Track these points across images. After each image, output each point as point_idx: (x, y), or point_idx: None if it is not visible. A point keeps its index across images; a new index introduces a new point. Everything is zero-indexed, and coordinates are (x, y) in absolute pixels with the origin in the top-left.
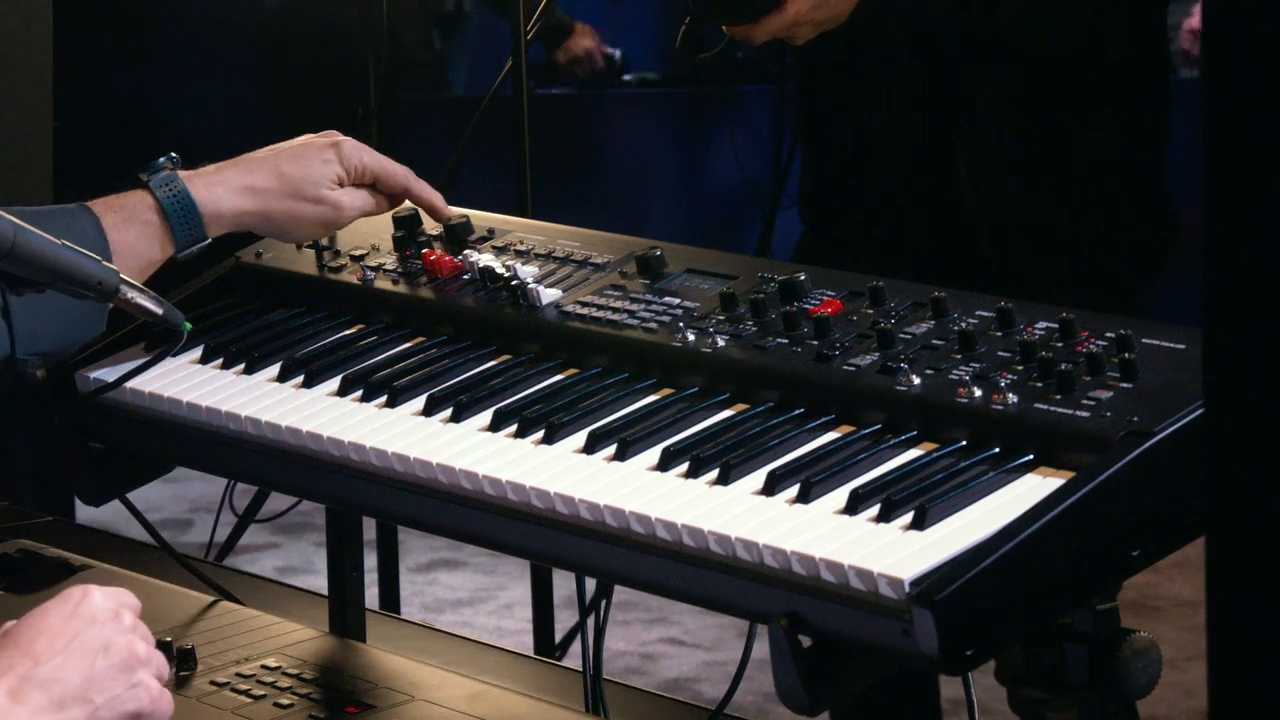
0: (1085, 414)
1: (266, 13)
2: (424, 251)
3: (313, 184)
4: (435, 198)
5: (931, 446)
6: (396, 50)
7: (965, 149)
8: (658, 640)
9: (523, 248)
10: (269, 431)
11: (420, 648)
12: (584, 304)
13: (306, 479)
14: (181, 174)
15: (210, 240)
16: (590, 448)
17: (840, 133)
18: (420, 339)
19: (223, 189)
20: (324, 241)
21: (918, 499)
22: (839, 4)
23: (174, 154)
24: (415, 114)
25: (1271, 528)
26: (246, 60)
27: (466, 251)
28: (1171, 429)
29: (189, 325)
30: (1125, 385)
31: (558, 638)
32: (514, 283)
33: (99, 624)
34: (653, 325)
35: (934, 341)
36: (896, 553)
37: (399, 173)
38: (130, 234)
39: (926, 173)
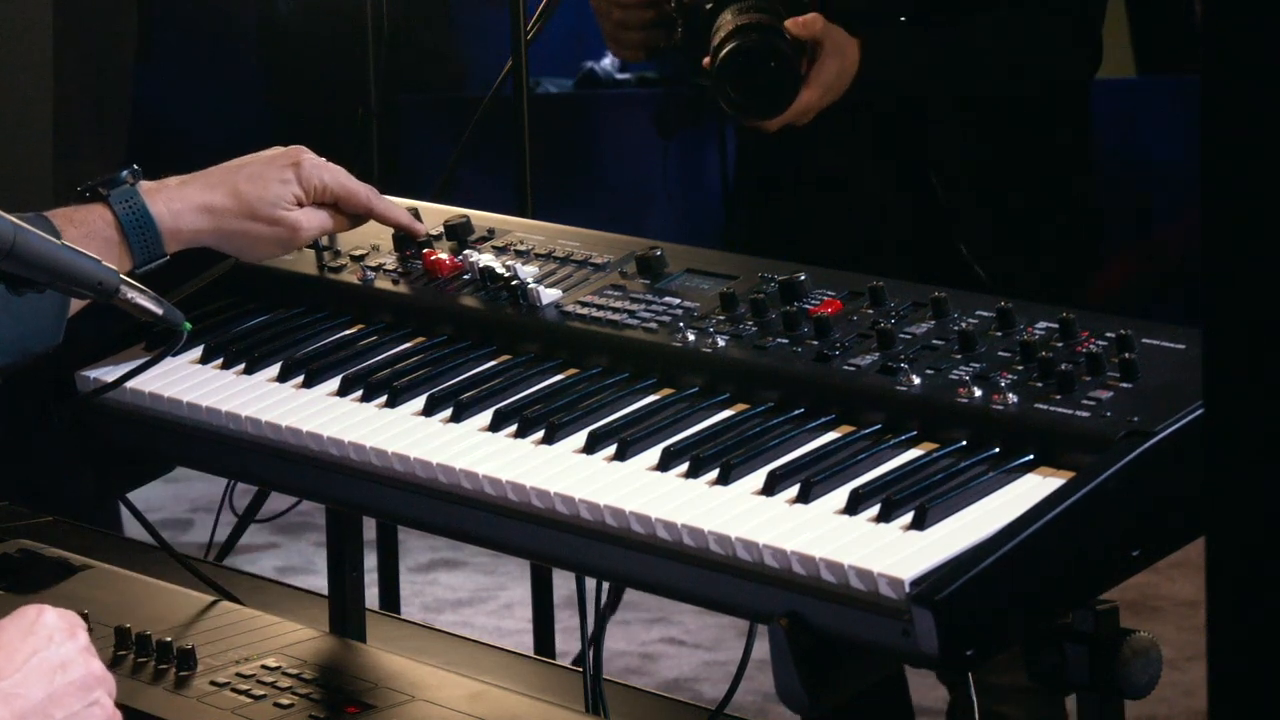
0: (1085, 414)
1: (266, 12)
2: (424, 251)
3: (269, 204)
4: (402, 216)
5: (931, 446)
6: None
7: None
8: (658, 640)
9: (523, 248)
10: (269, 431)
11: (420, 648)
12: (584, 304)
13: (306, 479)
14: (143, 186)
15: (168, 257)
16: (590, 448)
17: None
18: (420, 339)
19: (181, 206)
20: (324, 241)
21: (918, 499)
22: (841, 88)
23: (135, 166)
24: (415, 114)
25: (1271, 528)
26: (246, 60)
27: (466, 251)
28: (1171, 429)
29: (189, 325)
30: (1125, 385)
31: (558, 638)
32: (514, 283)
33: (56, 642)
34: (653, 325)
35: (934, 341)
36: (896, 553)
37: (361, 192)
38: (89, 249)
39: (895, 175)
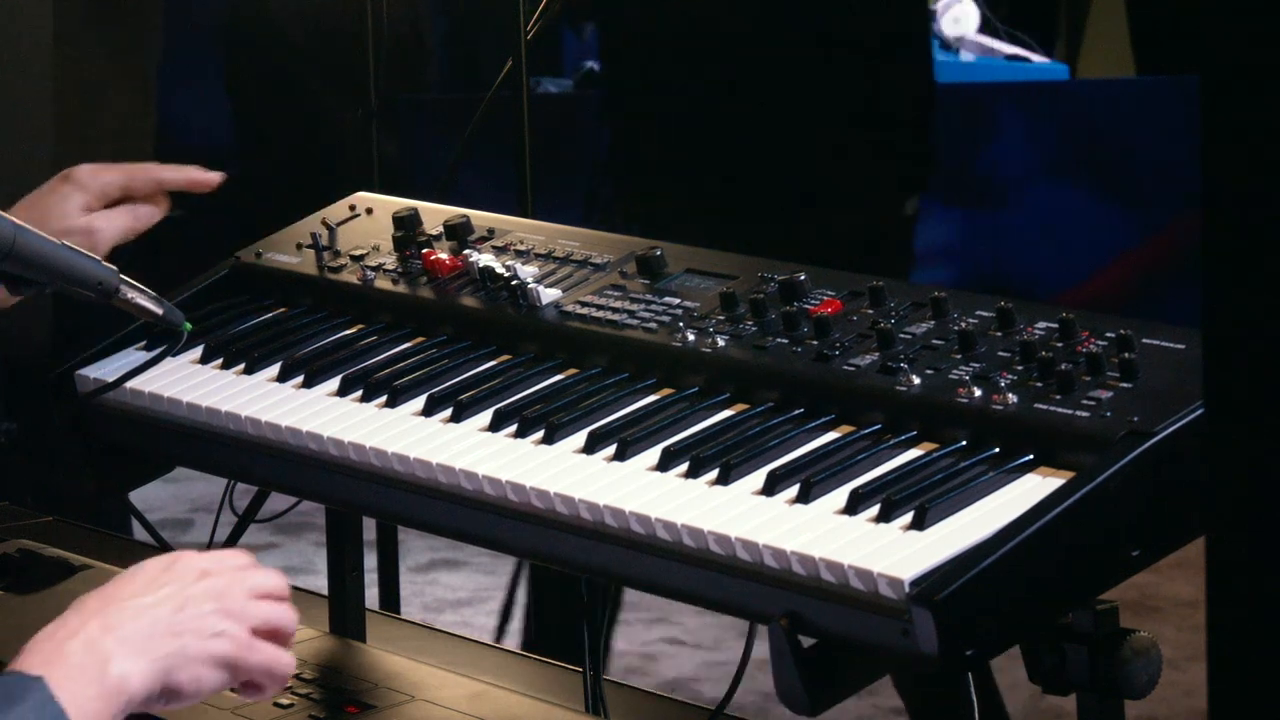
0: (1085, 414)
1: (266, 12)
2: (424, 251)
3: (56, 220)
4: (191, 171)
5: (931, 446)
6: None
7: None
8: (658, 640)
9: (523, 248)
10: (269, 431)
11: (420, 648)
12: (584, 304)
13: (306, 479)
14: None
15: None
16: (590, 448)
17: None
18: (420, 339)
19: None
20: (324, 241)
21: (918, 499)
22: None
23: None
24: (415, 114)
25: (1271, 528)
26: (247, 60)
27: (466, 251)
28: (1171, 429)
29: (189, 325)
30: (1125, 385)
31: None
32: (514, 283)
33: (187, 579)
34: (653, 325)
35: (934, 341)
36: (896, 553)
37: (146, 169)
38: None
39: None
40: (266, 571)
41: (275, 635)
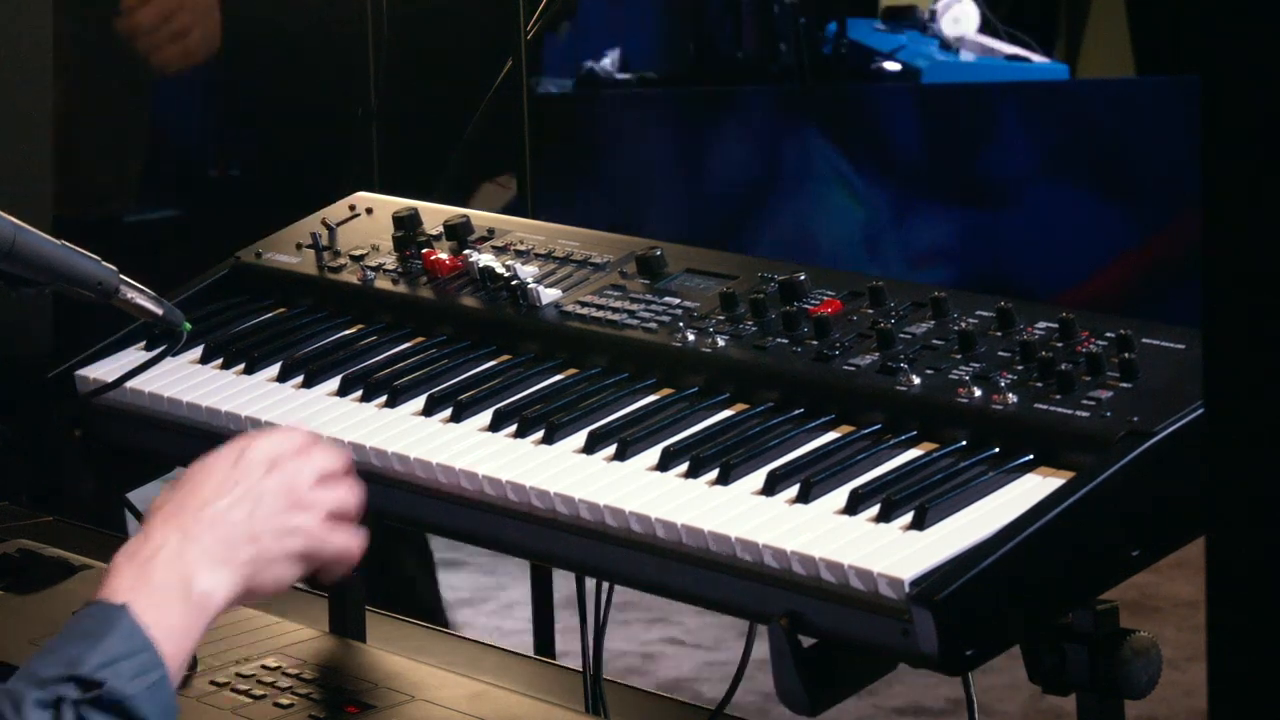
0: (1085, 414)
1: (263, 11)
2: (424, 251)
3: None
4: None
5: (931, 446)
6: None
7: None
8: (658, 640)
9: (523, 247)
10: None
11: (420, 648)
12: (584, 304)
13: None
14: None
15: None
16: (590, 448)
17: None
18: (420, 339)
19: None
20: (324, 241)
21: (918, 499)
22: None
23: None
24: (415, 114)
25: (1271, 528)
26: (245, 60)
27: (466, 251)
28: (1171, 429)
29: (189, 325)
30: (1125, 385)
31: (558, 638)
32: (514, 283)
33: (256, 475)
34: (653, 325)
35: (934, 341)
36: (896, 553)
37: None
38: None
39: None
40: (325, 450)
41: (343, 516)
